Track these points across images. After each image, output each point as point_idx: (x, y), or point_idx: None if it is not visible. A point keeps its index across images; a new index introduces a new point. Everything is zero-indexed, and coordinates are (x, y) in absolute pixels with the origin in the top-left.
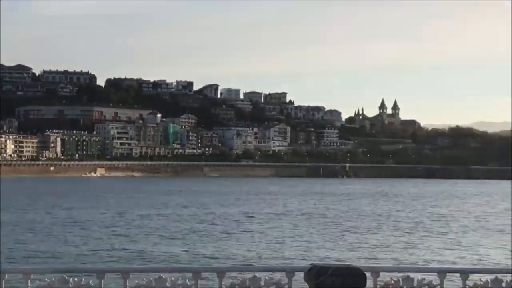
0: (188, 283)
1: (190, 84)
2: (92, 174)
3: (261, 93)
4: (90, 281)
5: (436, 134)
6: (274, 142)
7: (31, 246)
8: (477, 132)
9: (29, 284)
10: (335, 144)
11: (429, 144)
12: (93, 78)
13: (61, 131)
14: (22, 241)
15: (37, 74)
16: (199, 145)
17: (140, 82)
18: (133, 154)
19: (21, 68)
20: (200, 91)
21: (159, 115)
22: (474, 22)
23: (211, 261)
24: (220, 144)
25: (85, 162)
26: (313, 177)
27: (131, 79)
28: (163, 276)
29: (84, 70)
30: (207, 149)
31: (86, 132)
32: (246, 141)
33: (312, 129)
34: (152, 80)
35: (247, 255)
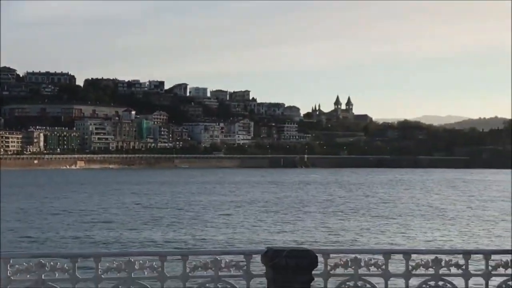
0: (155, 265)
1: (162, 83)
2: (73, 166)
3: (227, 91)
4: (65, 265)
5: (386, 127)
6: (238, 136)
7: (16, 233)
8: (423, 125)
9: (8, 269)
10: (294, 137)
11: (380, 136)
12: (72, 78)
13: (44, 127)
14: (8, 228)
15: (21, 75)
16: (170, 139)
17: (115, 82)
18: (110, 148)
19: (6, 70)
20: (170, 90)
21: (133, 112)
22: (418, 21)
23: (180, 245)
24: (189, 138)
25: (66, 156)
26: (275, 167)
27: (108, 80)
28: (132, 260)
29: (65, 71)
30: (177, 142)
31: (67, 128)
32: (213, 135)
33: (273, 124)
34: (126, 80)
35: (213, 240)
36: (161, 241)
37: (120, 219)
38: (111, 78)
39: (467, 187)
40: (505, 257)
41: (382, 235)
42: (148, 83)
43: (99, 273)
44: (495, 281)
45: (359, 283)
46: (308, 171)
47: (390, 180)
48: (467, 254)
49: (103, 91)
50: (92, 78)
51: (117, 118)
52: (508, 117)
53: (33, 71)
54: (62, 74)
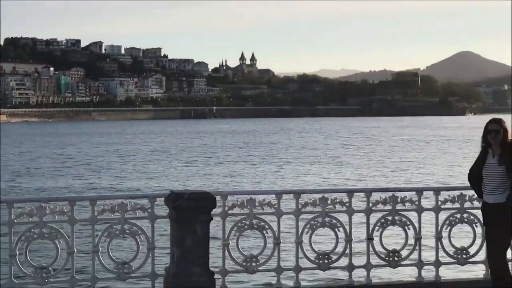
0: (65, 210)
1: (78, 41)
2: None
3: (140, 49)
4: None
5: (287, 80)
6: (151, 90)
7: None
8: (320, 78)
9: None
10: (203, 90)
11: (282, 89)
12: None
13: None
14: None
15: None
16: (88, 93)
17: (34, 40)
18: (31, 102)
19: None
20: (87, 47)
21: (52, 69)
22: None
23: (90, 191)
24: (105, 93)
25: None
26: (186, 118)
27: (27, 38)
28: (43, 205)
29: None
30: (94, 97)
31: None
32: (128, 89)
33: (184, 78)
34: (45, 38)
35: (121, 186)
36: (71, 188)
37: (33, 168)
38: (30, 37)
39: (359, 133)
40: (384, 194)
41: (278, 178)
42: (65, 41)
43: (12, 218)
44: (375, 216)
45: (254, 221)
46: (217, 121)
47: (292, 129)
48: (350, 192)
49: (22, 49)
50: (11, 37)
51: (36, 74)
52: (395, 70)
53: None
54: None
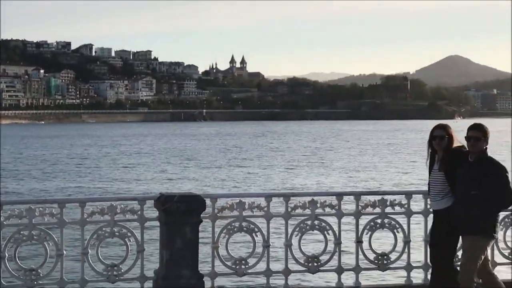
0: (54, 212)
1: (68, 44)
2: None
3: (130, 51)
4: None
5: (277, 83)
6: (142, 92)
7: None
8: (310, 81)
9: None
10: (193, 93)
11: (271, 92)
12: None
13: None
14: None
15: None
16: (78, 96)
17: (24, 42)
18: (21, 104)
19: None
20: (77, 50)
21: (42, 71)
22: None
23: (79, 194)
24: (95, 95)
25: None
26: (176, 121)
27: (17, 40)
28: (32, 207)
29: None
30: (84, 99)
31: None
32: (118, 92)
33: (174, 81)
34: (35, 40)
35: (111, 188)
36: (61, 190)
37: (23, 170)
38: (20, 39)
39: (348, 136)
40: (374, 198)
41: (268, 181)
42: (55, 43)
43: (1, 220)
44: (365, 219)
45: (244, 224)
46: (207, 124)
47: (279, 131)
48: (339, 195)
49: (12, 51)
50: (1, 40)
51: (26, 76)
52: (384, 73)
53: None
54: None
